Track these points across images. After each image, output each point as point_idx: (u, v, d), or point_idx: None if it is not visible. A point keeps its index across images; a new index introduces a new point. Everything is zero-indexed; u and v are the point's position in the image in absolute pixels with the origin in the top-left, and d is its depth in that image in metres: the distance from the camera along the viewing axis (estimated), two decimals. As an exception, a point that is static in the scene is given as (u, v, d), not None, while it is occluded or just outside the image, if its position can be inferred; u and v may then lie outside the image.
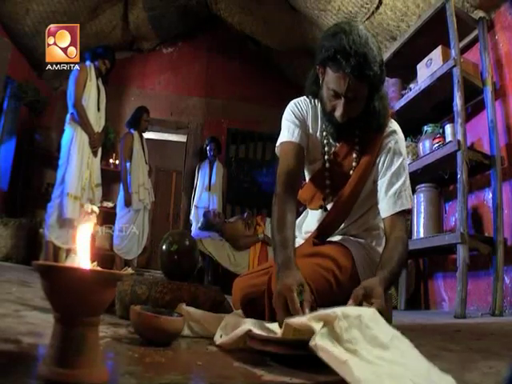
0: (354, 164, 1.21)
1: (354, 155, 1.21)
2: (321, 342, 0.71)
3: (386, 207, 1.17)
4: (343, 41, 1.04)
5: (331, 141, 1.25)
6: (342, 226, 1.29)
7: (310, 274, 1.06)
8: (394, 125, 1.24)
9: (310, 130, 1.27)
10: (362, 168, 1.19)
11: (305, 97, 1.31)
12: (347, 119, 1.12)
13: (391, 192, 1.16)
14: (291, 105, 1.31)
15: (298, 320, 0.80)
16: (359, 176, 1.19)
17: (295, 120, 1.25)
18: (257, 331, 0.88)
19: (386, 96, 1.26)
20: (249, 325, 0.91)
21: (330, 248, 1.19)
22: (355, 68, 1.02)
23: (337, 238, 1.29)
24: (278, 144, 1.27)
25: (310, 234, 1.30)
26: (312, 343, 0.72)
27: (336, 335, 0.74)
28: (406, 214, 1.19)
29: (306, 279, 1.02)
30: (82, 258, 0.65)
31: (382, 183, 1.19)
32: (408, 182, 1.19)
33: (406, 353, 0.74)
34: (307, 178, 1.36)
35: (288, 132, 1.24)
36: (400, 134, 1.24)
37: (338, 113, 1.12)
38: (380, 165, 1.19)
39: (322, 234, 1.26)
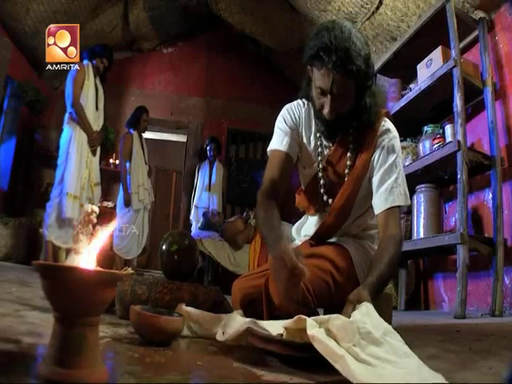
0: (348, 163, 1.20)
1: (349, 154, 1.21)
2: (318, 334, 0.72)
3: (377, 203, 1.17)
4: (325, 38, 1.04)
5: (325, 141, 1.25)
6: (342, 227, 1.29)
7: (308, 275, 1.06)
8: (387, 123, 1.23)
9: (304, 135, 1.27)
10: (358, 168, 1.19)
11: (298, 100, 1.31)
12: (337, 115, 1.12)
13: (383, 188, 1.16)
14: (283, 111, 1.31)
15: (294, 319, 0.81)
16: (355, 176, 1.19)
17: (286, 127, 1.26)
18: (257, 329, 0.88)
19: (381, 94, 1.25)
20: (249, 323, 0.91)
21: (328, 249, 1.19)
22: (337, 63, 1.02)
23: (335, 239, 1.29)
24: (268, 149, 1.28)
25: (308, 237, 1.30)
26: (309, 332, 0.73)
27: (332, 334, 0.74)
28: (400, 211, 1.17)
29: (305, 281, 1.03)
30: (87, 259, 0.65)
31: (374, 180, 1.18)
32: (401, 179, 1.18)
33: (397, 349, 0.76)
34: (303, 184, 1.35)
35: (277, 140, 1.25)
36: (394, 133, 1.23)
37: (325, 110, 1.12)
38: (374, 163, 1.19)
39: (320, 237, 1.26)
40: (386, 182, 1.16)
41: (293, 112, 1.29)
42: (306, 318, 0.79)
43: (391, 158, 1.17)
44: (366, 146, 1.19)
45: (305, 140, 1.27)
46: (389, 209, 1.14)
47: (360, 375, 0.64)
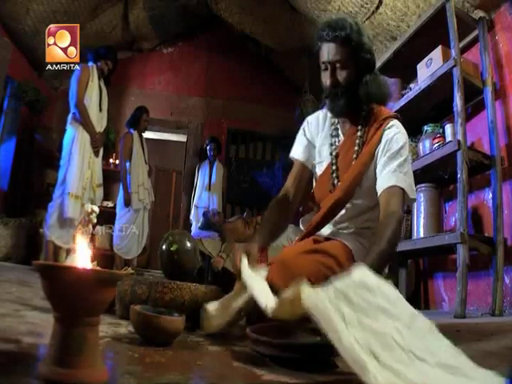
0: (356, 148, 1.27)
1: (357, 141, 1.28)
2: (314, 300, 0.74)
3: (380, 183, 1.20)
4: (324, 23, 1.23)
5: (340, 131, 1.34)
6: (346, 218, 1.30)
7: (312, 271, 1.10)
8: (395, 122, 1.29)
9: (319, 137, 1.40)
10: (364, 155, 1.25)
11: (320, 110, 1.45)
12: (337, 84, 1.23)
13: (386, 170, 1.20)
14: (304, 122, 1.46)
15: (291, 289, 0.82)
16: (361, 161, 1.25)
17: (303, 138, 1.42)
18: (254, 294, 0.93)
19: (385, 82, 1.32)
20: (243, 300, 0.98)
21: (331, 245, 1.22)
22: (329, 33, 1.20)
23: (338, 235, 1.30)
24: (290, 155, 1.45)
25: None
26: (304, 295, 0.75)
27: (328, 295, 0.76)
28: (403, 195, 1.18)
29: (308, 276, 1.05)
30: (81, 258, 0.65)
31: (379, 166, 1.23)
32: (407, 168, 1.20)
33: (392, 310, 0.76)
34: (317, 177, 1.41)
35: (296, 150, 1.43)
36: (401, 129, 1.28)
37: (327, 81, 1.24)
38: (379, 153, 1.24)
39: (325, 218, 1.30)
40: (388, 166, 1.20)
41: (311, 122, 1.43)
42: (305, 288, 0.78)
43: (395, 147, 1.22)
44: (373, 138, 1.26)
45: (320, 139, 1.39)
46: (391, 188, 1.17)
47: (352, 350, 0.65)
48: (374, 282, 0.80)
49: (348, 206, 1.29)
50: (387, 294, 0.78)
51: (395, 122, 1.29)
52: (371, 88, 1.23)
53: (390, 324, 0.70)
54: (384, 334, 0.69)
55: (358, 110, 1.30)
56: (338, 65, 1.21)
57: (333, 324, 0.69)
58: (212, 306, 1.14)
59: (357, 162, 1.26)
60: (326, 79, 1.25)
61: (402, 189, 1.17)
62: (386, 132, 1.25)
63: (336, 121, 1.36)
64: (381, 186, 1.19)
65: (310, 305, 0.73)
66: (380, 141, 1.24)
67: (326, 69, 1.23)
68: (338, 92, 1.23)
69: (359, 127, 1.29)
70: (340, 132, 1.34)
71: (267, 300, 0.90)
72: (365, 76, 1.23)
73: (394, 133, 1.25)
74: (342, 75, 1.22)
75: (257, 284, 0.97)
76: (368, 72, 1.24)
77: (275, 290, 1.10)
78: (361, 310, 0.73)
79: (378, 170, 1.22)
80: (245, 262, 1.03)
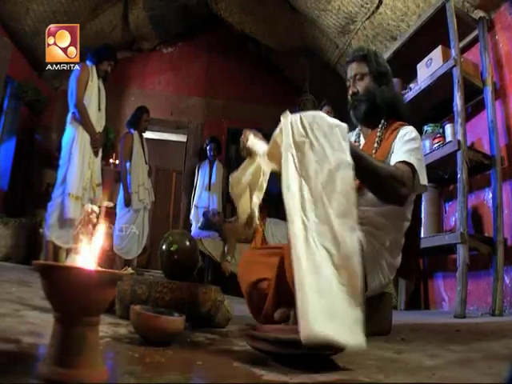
0: (375, 146, 1.41)
1: (376, 139, 1.42)
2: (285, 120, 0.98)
3: (392, 161, 1.28)
4: (350, 53, 1.45)
5: (361, 137, 1.49)
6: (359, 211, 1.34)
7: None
8: (410, 127, 1.39)
9: None
10: (382, 149, 1.37)
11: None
12: (357, 92, 1.43)
13: (399, 152, 1.28)
14: None
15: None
16: (379, 154, 1.36)
17: None
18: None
19: (400, 96, 1.54)
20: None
21: None
22: (351, 55, 1.48)
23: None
24: None
25: None
26: (282, 118, 1.00)
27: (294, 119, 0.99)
28: (412, 171, 1.23)
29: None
30: (88, 259, 0.65)
31: (394, 152, 1.32)
32: (420, 156, 1.28)
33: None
34: None
35: None
36: (415, 131, 1.38)
37: (349, 92, 1.46)
38: (395, 144, 1.34)
39: None
40: (401, 148, 1.29)
41: None
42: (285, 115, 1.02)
43: (408, 137, 1.32)
44: (390, 136, 1.39)
45: None
46: (400, 162, 1.24)
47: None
48: (332, 123, 0.98)
49: (361, 195, 1.30)
50: (337, 139, 0.95)
51: (409, 127, 1.40)
52: (387, 94, 1.42)
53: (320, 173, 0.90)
54: (316, 187, 0.88)
55: (377, 120, 1.44)
56: (357, 77, 1.44)
57: (288, 148, 0.93)
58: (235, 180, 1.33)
59: (376, 154, 1.37)
60: (349, 93, 1.45)
61: (412, 166, 1.23)
62: (401, 131, 1.37)
63: (359, 132, 1.52)
64: (392, 161, 1.28)
65: (282, 123, 0.98)
66: (395, 138, 1.36)
67: (349, 85, 1.46)
68: (358, 99, 1.43)
69: (378, 129, 1.44)
70: (362, 138, 1.50)
71: (264, 149, 1.15)
72: (381, 87, 1.43)
73: (406, 132, 1.36)
74: (360, 85, 1.44)
75: (259, 145, 1.22)
76: (385, 84, 1.44)
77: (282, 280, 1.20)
78: (309, 143, 0.93)
79: (392, 156, 1.31)
80: (251, 136, 1.29)
